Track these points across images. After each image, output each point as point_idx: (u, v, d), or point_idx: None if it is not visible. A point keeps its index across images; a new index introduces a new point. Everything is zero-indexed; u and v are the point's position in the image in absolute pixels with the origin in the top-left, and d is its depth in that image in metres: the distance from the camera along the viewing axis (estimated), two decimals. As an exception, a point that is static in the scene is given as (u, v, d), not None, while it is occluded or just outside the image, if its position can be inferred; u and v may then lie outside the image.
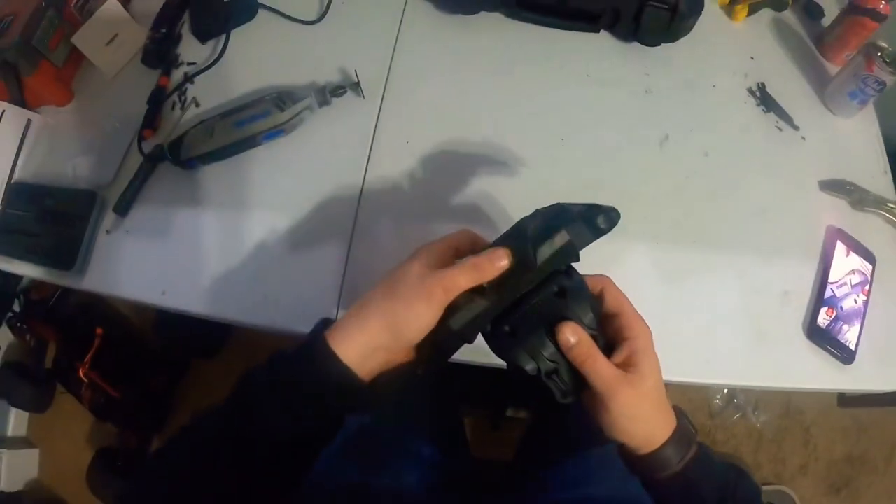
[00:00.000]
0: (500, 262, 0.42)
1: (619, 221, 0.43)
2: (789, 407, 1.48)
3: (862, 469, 1.46)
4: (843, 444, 1.47)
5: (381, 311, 0.42)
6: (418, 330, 0.42)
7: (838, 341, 0.66)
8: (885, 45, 0.74)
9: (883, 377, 0.67)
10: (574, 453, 0.64)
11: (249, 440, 0.42)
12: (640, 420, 0.43)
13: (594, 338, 0.43)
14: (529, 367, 0.43)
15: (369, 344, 0.42)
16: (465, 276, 0.41)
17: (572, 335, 0.41)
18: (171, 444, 0.46)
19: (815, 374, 0.66)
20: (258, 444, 0.42)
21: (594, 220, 0.42)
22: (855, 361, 0.66)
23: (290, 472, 0.45)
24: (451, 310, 0.42)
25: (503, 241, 0.44)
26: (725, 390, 1.47)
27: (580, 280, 0.43)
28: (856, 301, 0.69)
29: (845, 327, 0.67)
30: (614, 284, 0.46)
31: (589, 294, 0.44)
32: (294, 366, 0.43)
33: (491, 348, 0.44)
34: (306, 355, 0.43)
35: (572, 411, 0.47)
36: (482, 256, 0.42)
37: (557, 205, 0.45)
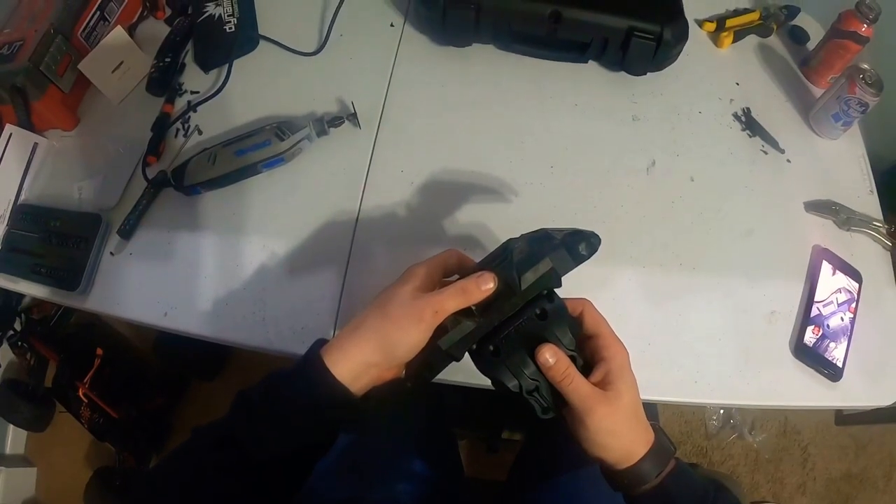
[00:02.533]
0: (487, 285, 0.44)
1: (608, 245, 0.46)
2: (786, 426, 1.48)
3: (861, 487, 1.45)
4: (841, 462, 1.46)
5: (373, 331, 0.45)
6: (408, 349, 0.44)
7: (825, 359, 0.67)
8: (866, 67, 0.76)
9: (871, 393, 0.68)
10: (565, 472, 0.65)
11: (245, 456, 0.44)
12: (616, 435, 0.44)
13: (573, 358, 0.45)
14: (512, 384, 0.45)
15: (363, 361, 0.45)
16: (453, 300, 0.44)
17: (551, 356, 0.44)
18: (169, 460, 0.47)
19: (803, 391, 0.67)
20: (253, 458, 0.44)
21: (576, 247, 0.45)
22: (843, 378, 0.67)
23: (284, 486, 0.47)
24: (440, 330, 0.44)
25: (489, 261, 0.47)
26: (721, 411, 1.46)
27: (561, 303, 0.46)
28: (842, 319, 0.70)
29: (832, 345, 0.68)
30: (593, 307, 0.48)
31: (569, 317, 0.46)
32: (290, 382, 0.46)
33: (476, 366, 0.46)
34: (302, 372, 0.45)
35: (562, 432, 0.49)
36: (469, 280, 0.44)
37: (542, 230, 0.48)
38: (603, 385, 0.44)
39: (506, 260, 0.45)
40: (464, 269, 0.50)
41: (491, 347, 0.45)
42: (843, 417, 1.48)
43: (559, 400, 0.45)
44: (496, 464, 1.24)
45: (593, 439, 0.44)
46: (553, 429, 0.71)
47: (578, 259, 0.45)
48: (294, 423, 0.45)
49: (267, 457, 0.44)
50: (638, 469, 0.44)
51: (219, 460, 0.45)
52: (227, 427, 0.46)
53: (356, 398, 0.45)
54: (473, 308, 0.45)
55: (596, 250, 0.45)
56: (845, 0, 0.82)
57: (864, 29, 0.80)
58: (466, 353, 0.46)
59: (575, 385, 0.44)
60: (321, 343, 0.47)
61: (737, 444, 1.45)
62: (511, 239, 0.48)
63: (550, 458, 0.70)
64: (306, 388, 0.45)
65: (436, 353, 0.45)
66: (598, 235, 0.46)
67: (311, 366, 0.45)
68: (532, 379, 0.45)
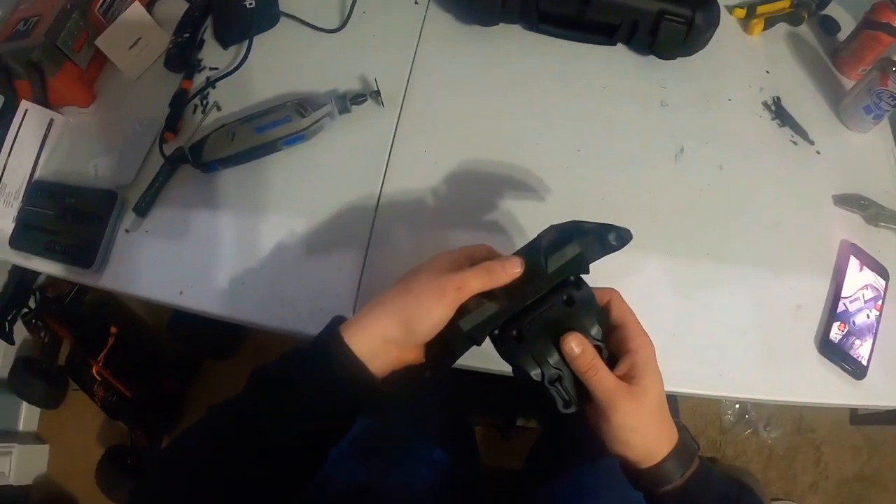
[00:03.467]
0: (514, 268, 0.43)
1: (634, 232, 0.44)
2: (801, 424, 1.47)
3: (873, 488, 1.43)
4: (854, 462, 1.45)
5: (394, 305, 0.44)
6: (429, 326, 0.43)
7: (850, 356, 0.66)
8: None
9: (895, 393, 0.67)
10: (583, 464, 0.65)
11: (261, 434, 0.43)
12: (640, 432, 0.43)
13: (598, 349, 0.44)
14: (534, 372, 0.44)
15: (382, 337, 0.43)
16: (477, 279, 0.43)
17: (577, 345, 0.42)
18: (182, 438, 0.47)
19: (826, 388, 0.65)
20: (269, 438, 0.43)
21: (606, 237, 0.44)
22: (867, 377, 0.66)
23: (300, 469, 0.46)
24: (462, 311, 0.43)
25: (518, 253, 0.46)
26: (737, 405, 1.46)
27: (589, 291, 0.44)
28: (868, 316, 0.69)
29: (857, 342, 0.67)
30: (621, 297, 0.46)
31: (596, 306, 0.45)
32: (307, 356, 0.45)
33: (498, 352, 0.45)
34: (319, 347, 0.45)
35: (581, 424, 0.48)
36: (496, 262, 0.44)
37: (573, 221, 0.46)
38: (628, 379, 0.43)
39: (534, 245, 0.45)
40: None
41: (514, 332, 0.44)
42: (859, 417, 1.47)
43: (582, 393, 0.44)
44: (510, 451, 1.24)
45: (616, 435, 0.43)
46: (571, 420, 0.71)
47: (608, 248, 0.44)
48: (309, 399, 0.43)
49: (282, 436, 0.43)
50: (661, 469, 0.43)
51: (233, 438, 0.44)
52: (241, 403, 0.45)
53: (373, 377, 0.44)
54: (497, 291, 0.44)
55: (626, 243, 0.44)
56: None
57: None
58: (488, 340, 0.45)
59: (600, 377, 0.42)
60: (340, 320, 0.46)
61: (751, 440, 1.45)
62: (541, 231, 0.47)
63: (567, 449, 0.70)
64: (322, 362, 0.44)
65: (456, 335, 0.44)
66: (629, 231, 0.45)
67: (328, 340, 0.44)
68: (555, 368, 0.44)
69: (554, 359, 0.43)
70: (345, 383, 0.43)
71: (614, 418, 0.42)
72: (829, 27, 0.91)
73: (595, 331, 0.44)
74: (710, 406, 1.47)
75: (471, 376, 0.62)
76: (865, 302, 0.69)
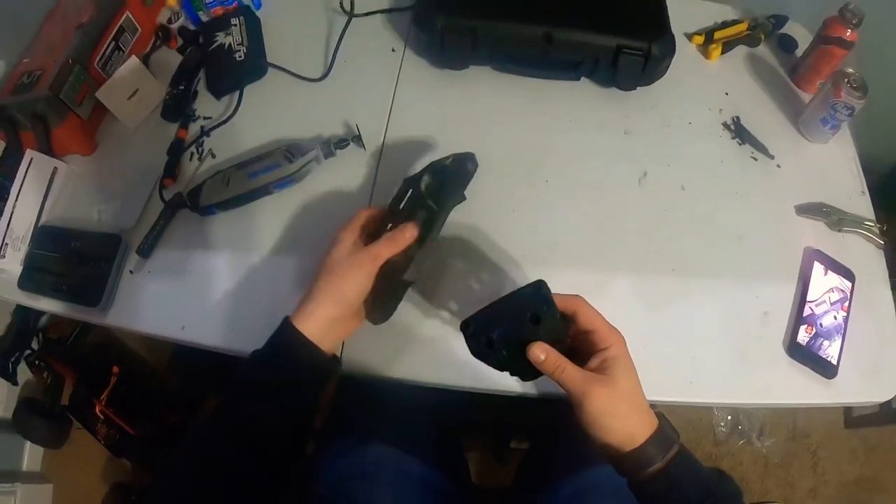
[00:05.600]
0: (412, 232, 0.56)
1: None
2: (795, 430, 1.47)
3: (873, 490, 1.44)
4: (851, 465, 1.46)
5: (327, 289, 0.53)
6: (357, 294, 0.54)
7: (819, 357, 0.68)
8: (851, 71, 0.77)
9: (867, 390, 0.69)
10: (568, 474, 0.67)
11: (241, 429, 0.50)
12: (616, 417, 0.47)
13: (559, 343, 0.50)
14: (497, 367, 0.52)
15: (325, 318, 0.52)
16: (387, 248, 0.54)
17: (541, 353, 0.48)
18: (175, 457, 0.52)
19: (798, 389, 0.68)
20: (248, 428, 0.50)
21: (465, 165, 0.66)
22: (838, 376, 0.68)
23: (281, 462, 0.52)
24: (393, 266, 0.55)
25: (396, 202, 0.61)
26: (729, 417, 1.46)
27: (553, 311, 0.50)
28: (836, 317, 0.71)
29: (825, 343, 0.69)
30: (587, 303, 0.51)
31: (558, 316, 0.50)
32: (266, 349, 0.53)
33: (468, 346, 0.52)
34: (275, 339, 0.53)
35: (566, 436, 0.52)
36: (396, 232, 0.56)
37: (430, 164, 0.64)
38: (600, 371, 0.47)
39: (415, 193, 0.60)
40: (376, 218, 0.61)
41: (485, 340, 0.50)
42: (853, 420, 1.48)
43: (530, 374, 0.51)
44: (505, 473, 1.25)
45: (594, 421, 0.47)
46: (556, 433, 0.74)
47: (470, 175, 0.63)
48: (276, 386, 0.51)
49: (259, 429, 0.50)
50: (642, 451, 0.46)
51: (219, 442, 0.50)
52: (220, 409, 0.52)
53: (327, 355, 0.54)
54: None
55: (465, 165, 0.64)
56: (832, 6, 0.83)
57: (848, 34, 0.81)
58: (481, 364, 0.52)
59: (567, 373, 0.47)
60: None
61: (746, 450, 1.45)
62: (409, 178, 0.62)
63: (553, 460, 0.72)
64: (280, 350, 0.52)
65: (401, 285, 0.58)
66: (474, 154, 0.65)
67: (282, 331, 0.53)
68: (517, 364, 0.50)
69: (519, 359, 0.50)
70: (303, 363, 0.52)
71: (587, 405, 0.46)
72: (787, 45, 0.95)
73: (558, 334, 0.50)
74: (702, 419, 1.48)
75: (464, 399, 0.66)
76: (832, 304, 0.71)
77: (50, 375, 1.44)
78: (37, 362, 1.42)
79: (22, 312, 1.38)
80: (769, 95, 0.90)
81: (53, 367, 1.41)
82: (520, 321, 0.49)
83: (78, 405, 1.36)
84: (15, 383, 1.39)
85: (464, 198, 0.59)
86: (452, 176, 0.64)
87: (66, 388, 1.49)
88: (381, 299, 0.57)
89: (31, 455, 1.45)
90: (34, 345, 1.41)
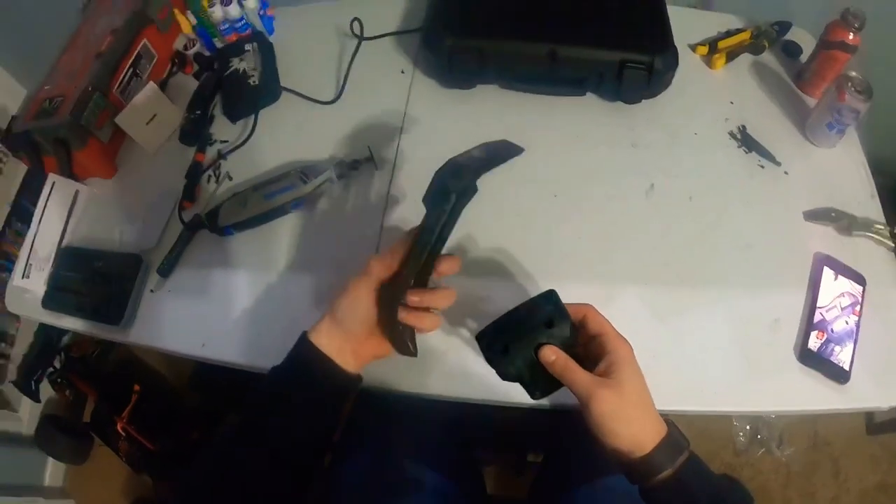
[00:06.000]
0: (401, 250, 0.54)
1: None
2: (816, 439, 1.45)
3: (896, 497, 1.41)
4: (874, 472, 1.42)
5: (337, 305, 0.55)
6: (355, 311, 0.54)
7: (831, 362, 0.67)
8: (854, 74, 0.76)
9: (881, 394, 0.68)
10: (582, 483, 0.67)
11: (263, 441, 0.51)
12: (622, 421, 0.47)
13: (571, 349, 0.51)
14: (511, 375, 0.52)
15: (338, 333, 0.54)
16: (376, 261, 0.54)
17: (551, 354, 0.49)
18: (195, 472, 0.54)
19: (811, 395, 0.67)
20: (268, 443, 0.51)
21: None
22: (850, 381, 0.67)
23: (300, 475, 0.53)
24: (395, 290, 0.53)
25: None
26: (748, 427, 1.44)
27: (565, 315, 0.51)
28: (847, 322, 0.70)
29: (837, 348, 0.68)
30: (595, 310, 0.53)
31: (570, 322, 0.51)
32: (284, 363, 0.55)
33: (485, 357, 0.53)
34: (292, 353, 0.55)
35: (579, 447, 0.53)
36: (386, 251, 0.55)
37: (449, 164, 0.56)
38: (606, 374, 0.48)
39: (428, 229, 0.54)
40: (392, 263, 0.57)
41: (503, 347, 0.52)
42: (874, 426, 1.45)
43: (547, 385, 0.52)
44: (522, 486, 1.24)
45: (601, 424, 0.47)
46: (571, 445, 0.74)
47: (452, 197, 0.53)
48: (293, 399, 0.53)
49: (281, 442, 0.51)
50: (652, 458, 0.47)
51: (241, 452, 0.52)
52: (242, 420, 0.54)
53: (345, 371, 0.54)
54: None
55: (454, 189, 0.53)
56: (835, 9, 0.82)
57: (850, 38, 0.81)
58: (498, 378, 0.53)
59: (575, 375, 0.48)
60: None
61: (766, 460, 1.43)
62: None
63: (567, 471, 0.72)
64: (297, 364, 0.54)
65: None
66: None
67: (298, 346, 0.54)
68: (529, 372, 0.51)
69: (533, 366, 0.51)
70: (319, 375, 0.53)
71: (595, 407, 0.47)
72: (791, 51, 0.94)
73: (565, 337, 0.51)
74: (721, 430, 1.46)
75: (480, 413, 0.67)
76: (843, 309, 0.70)
77: (72, 393, 1.47)
78: (59, 380, 1.45)
79: (44, 331, 1.41)
80: (775, 102, 0.90)
81: (76, 385, 1.44)
82: (534, 327, 0.51)
83: (99, 422, 1.39)
84: (38, 400, 1.43)
85: (475, 189, 0.54)
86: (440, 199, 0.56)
87: (87, 405, 1.52)
88: (391, 326, 0.55)
89: (53, 471, 1.47)
90: (57, 363, 1.45)
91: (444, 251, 0.54)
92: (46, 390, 1.46)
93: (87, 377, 1.42)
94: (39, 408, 1.47)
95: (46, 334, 1.41)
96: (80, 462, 1.49)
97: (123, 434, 1.33)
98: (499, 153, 0.56)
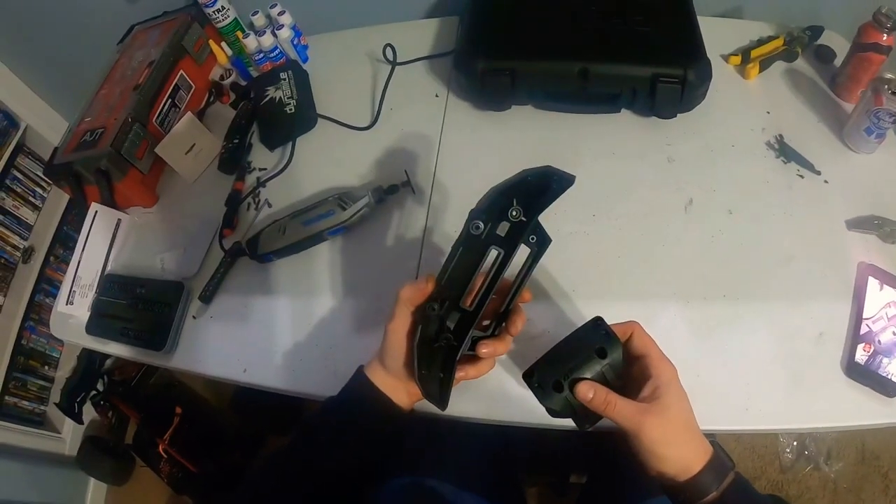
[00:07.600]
0: (425, 282, 0.53)
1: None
2: (864, 453, 1.39)
3: (951, 512, 1.35)
4: (925, 487, 1.37)
5: (379, 354, 0.55)
6: (398, 342, 0.52)
7: (879, 375, 0.65)
8: (890, 76, 0.75)
9: None
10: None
11: (310, 469, 0.52)
12: (670, 445, 0.47)
13: (616, 383, 0.50)
14: (562, 412, 0.51)
15: (392, 370, 0.54)
16: (406, 289, 0.53)
17: (588, 390, 0.49)
18: (239, 495, 0.55)
19: (858, 410, 0.65)
20: (317, 472, 0.52)
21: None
22: None
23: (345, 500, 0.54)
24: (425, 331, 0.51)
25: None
26: (795, 443, 1.40)
27: (616, 343, 0.51)
28: (894, 333, 0.67)
29: (885, 361, 0.66)
30: (642, 329, 0.52)
31: (620, 350, 0.51)
32: (338, 395, 0.56)
33: (536, 396, 0.52)
34: (347, 386, 0.56)
35: (622, 469, 0.52)
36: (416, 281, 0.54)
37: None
38: (651, 399, 0.48)
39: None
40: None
41: (553, 382, 0.51)
42: (925, 440, 1.40)
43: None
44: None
45: (650, 450, 0.47)
46: (614, 466, 0.73)
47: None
48: (350, 431, 0.54)
49: (330, 469, 0.53)
50: (698, 481, 0.46)
51: (290, 477, 0.53)
52: (292, 447, 0.55)
53: (395, 405, 0.54)
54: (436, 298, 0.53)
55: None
56: (866, 11, 0.81)
57: (884, 39, 0.80)
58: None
59: (617, 408, 0.48)
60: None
61: (813, 476, 1.38)
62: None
63: (611, 492, 0.72)
64: (349, 396, 0.55)
65: (436, 354, 0.52)
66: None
67: (356, 382, 0.55)
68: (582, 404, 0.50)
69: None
70: (370, 408, 0.54)
71: (644, 436, 0.46)
72: (824, 56, 0.92)
73: (621, 364, 0.51)
74: (767, 446, 1.42)
75: (522, 434, 0.66)
76: (889, 319, 0.68)
77: (115, 415, 1.51)
78: (102, 403, 1.48)
79: (87, 355, 1.45)
80: (811, 109, 0.88)
81: (118, 408, 1.47)
82: (585, 359, 0.50)
83: (141, 444, 1.41)
84: (80, 422, 1.46)
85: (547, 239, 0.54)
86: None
87: (130, 427, 1.55)
88: (423, 369, 0.52)
89: (95, 492, 1.51)
90: (99, 386, 1.48)
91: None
92: (89, 412, 1.50)
93: (129, 400, 1.45)
94: (82, 429, 1.50)
95: (89, 358, 1.45)
96: (121, 483, 1.52)
97: (165, 456, 1.35)
98: (550, 186, 0.56)
